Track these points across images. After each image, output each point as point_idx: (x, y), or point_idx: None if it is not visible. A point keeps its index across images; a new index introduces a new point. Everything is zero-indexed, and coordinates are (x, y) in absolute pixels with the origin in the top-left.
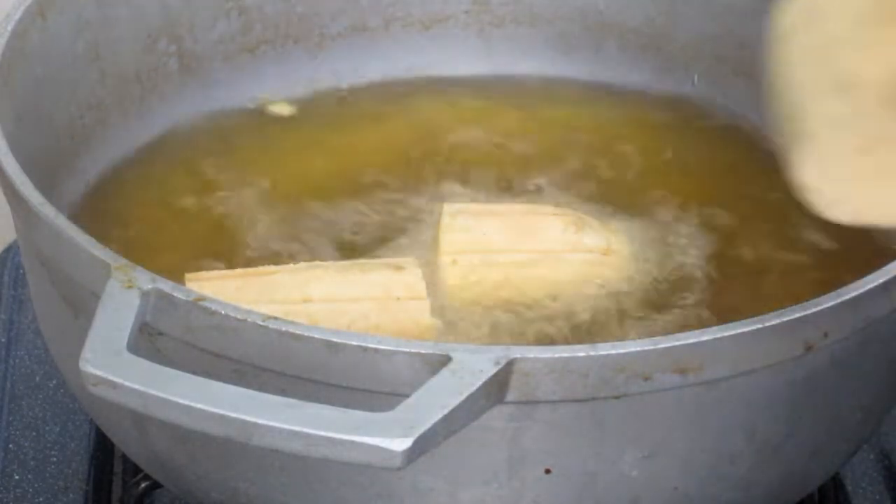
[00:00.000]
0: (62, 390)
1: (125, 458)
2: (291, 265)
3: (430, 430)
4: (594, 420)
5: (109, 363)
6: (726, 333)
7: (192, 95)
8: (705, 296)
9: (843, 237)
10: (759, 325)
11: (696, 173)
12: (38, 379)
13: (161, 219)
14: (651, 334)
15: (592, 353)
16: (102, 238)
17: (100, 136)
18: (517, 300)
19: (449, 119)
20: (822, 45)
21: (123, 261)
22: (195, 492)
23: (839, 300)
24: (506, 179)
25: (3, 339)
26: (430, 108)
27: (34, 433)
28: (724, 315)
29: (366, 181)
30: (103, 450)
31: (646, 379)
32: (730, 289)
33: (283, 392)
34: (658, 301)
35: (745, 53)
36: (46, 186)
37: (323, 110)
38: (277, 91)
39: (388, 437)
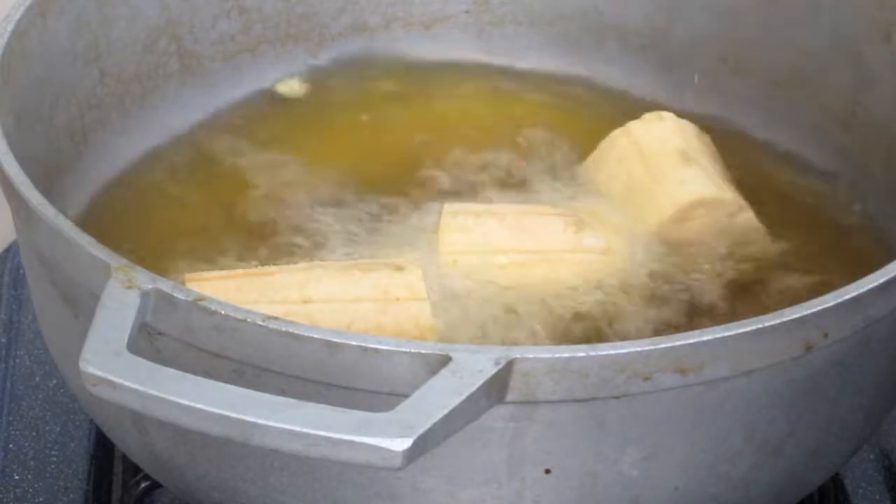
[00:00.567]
0: (62, 390)
1: (125, 458)
2: (291, 265)
3: (430, 430)
4: (594, 420)
5: (109, 363)
6: (726, 333)
7: (192, 95)
8: (705, 296)
9: (843, 237)
10: (759, 325)
11: None
12: (38, 379)
13: (161, 218)
14: (651, 334)
15: (592, 353)
16: (103, 238)
17: (100, 136)
18: (517, 300)
19: (449, 119)
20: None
21: (123, 261)
22: (195, 492)
23: (839, 300)
24: (506, 178)
25: (3, 339)
26: (430, 107)
27: (34, 433)
28: (723, 315)
29: (366, 181)
30: (103, 450)
31: (646, 379)
32: (730, 288)
33: (283, 392)
34: (658, 301)
35: (745, 53)
36: (46, 186)
37: (322, 110)
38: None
39: (388, 437)
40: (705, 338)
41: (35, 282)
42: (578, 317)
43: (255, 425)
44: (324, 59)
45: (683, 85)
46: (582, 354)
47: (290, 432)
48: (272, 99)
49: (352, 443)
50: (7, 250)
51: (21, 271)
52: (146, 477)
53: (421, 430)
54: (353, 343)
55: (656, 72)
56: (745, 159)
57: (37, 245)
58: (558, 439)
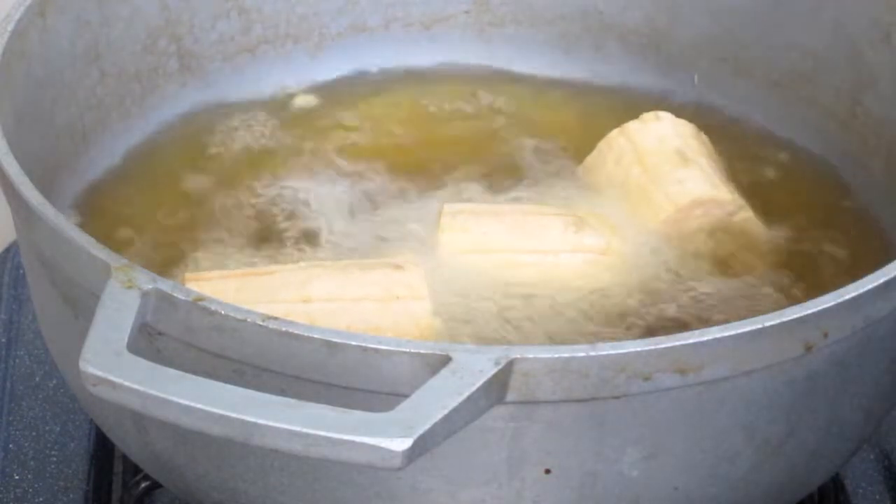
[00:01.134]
0: (62, 390)
1: (125, 458)
2: (291, 265)
3: (430, 430)
4: (594, 420)
5: (109, 363)
6: (726, 333)
7: (191, 95)
8: (705, 296)
9: (843, 237)
10: (759, 325)
11: None
12: (38, 379)
13: (161, 218)
14: (651, 334)
15: (592, 353)
16: (102, 238)
17: (100, 136)
18: (517, 300)
19: (449, 118)
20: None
21: (123, 261)
22: (195, 492)
23: (839, 300)
24: (505, 178)
25: (3, 339)
26: (430, 107)
27: (34, 433)
28: (723, 315)
29: (366, 181)
30: (103, 450)
31: (646, 379)
32: (729, 288)
33: (283, 392)
34: (658, 301)
35: (745, 53)
36: (46, 186)
37: (322, 110)
38: (277, 91)
39: (388, 437)
40: (705, 338)
41: (35, 282)
42: (578, 316)
43: (255, 425)
44: (324, 59)
45: (683, 85)
46: (582, 354)
47: (290, 432)
48: (272, 99)
49: (352, 443)
50: (7, 250)
51: (21, 271)
52: (146, 477)
53: (421, 431)
54: (353, 343)
55: (656, 72)
56: (744, 159)
57: (37, 245)
58: (558, 439)
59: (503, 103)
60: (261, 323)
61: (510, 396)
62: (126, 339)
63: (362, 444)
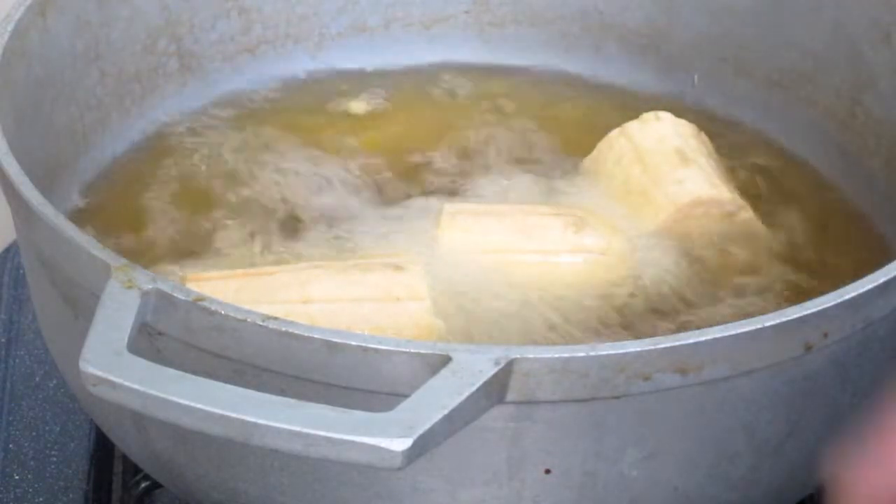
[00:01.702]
0: (62, 390)
1: (125, 458)
2: (291, 265)
3: (430, 430)
4: (594, 420)
5: (109, 363)
6: (726, 333)
7: (192, 95)
8: (704, 296)
9: (843, 237)
10: (759, 325)
11: None
12: (38, 379)
13: (161, 218)
14: (651, 334)
15: (592, 353)
16: (102, 238)
17: (100, 136)
18: (517, 300)
19: (448, 119)
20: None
21: (123, 261)
22: (195, 492)
23: (839, 300)
24: (505, 178)
25: (3, 339)
26: (430, 107)
27: (34, 433)
28: (723, 314)
29: (366, 181)
30: (103, 450)
31: (646, 379)
32: (729, 287)
33: (283, 392)
34: (658, 301)
35: (745, 53)
36: (46, 186)
37: (322, 110)
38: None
39: (388, 437)
40: (705, 338)
41: (35, 282)
42: (578, 316)
43: (255, 425)
44: (324, 59)
45: (683, 85)
46: (582, 354)
47: (290, 432)
48: (271, 99)
49: (352, 443)
50: (7, 250)
51: (21, 271)
52: (146, 477)
53: (421, 431)
54: (353, 343)
55: (656, 72)
56: (744, 159)
57: (37, 245)
58: (558, 439)
59: (503, 103)
60: (261, 323)
61: (510, 396)
62: (126, 339)
63: (362, 444)
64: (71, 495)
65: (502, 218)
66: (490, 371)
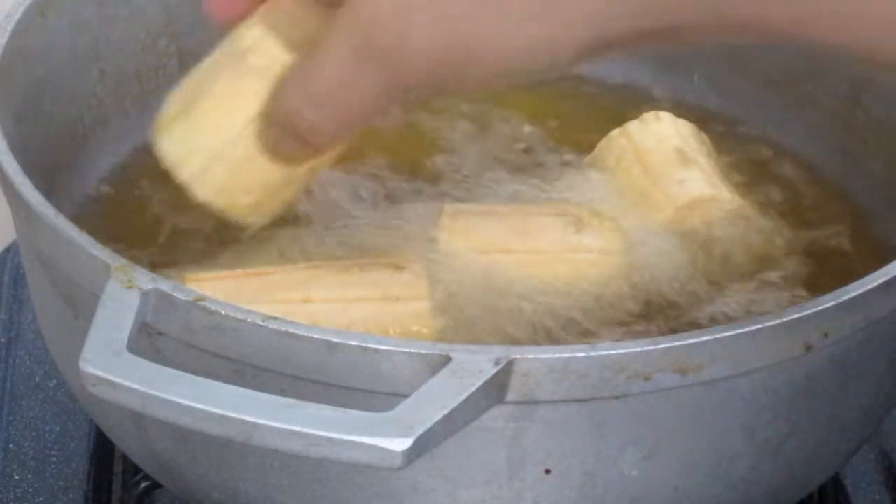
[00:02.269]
0: (62, 390)
1: (125, 458)
2: (291, 265)
3: (430, 430)
4: (594, 420)
5: (109, 363)
6: (726, 333)
7: None
8: (705, 295)
9: (844, 237)
10: (759, 325)
11: None
12: (38, 379)
13: (161, 217)
14: (651, 334)
15: (592, 353)
16: (103, 238)
17: (100, 136)
18: (517, 300)
19: (448, 119)
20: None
21: (123, 261)
22: (195, 492)
23: (839, 300)
24: (505, 178)
25: (3, 339)
26: (429, 107)
27: (34, 433)
28: (724, 314)
29: (366, 181)
30: (103, 450)
31: (646, 379)
32: (729, 287)
33: (282, 392)
34: (658, 300)
35: (745, 53)
36: (46, 186)
37: None
38: None
39: (388, 437)
40: (705, 338)
41: (35, 282)
42: (578, 316)
43: (255, 425)
44: None
45: (683, 85)
46: (582, 354)
47: (290, 432)
48: None
49: (352, 443)
50: (7, 250)
51: (21, 271)
52: (146, 477)
53: (421, 430)
54: (353, 343)
55: (656, 72)
56: (744, 159)
57: (37, 245)
58: (558, 439)
59: (503, 103)
60: (261, 323)
61: (510, 396)
62: (126, 339)
63: (362, 444)
64: (71, 495)
65: (502, 218)
66: (490, 371)
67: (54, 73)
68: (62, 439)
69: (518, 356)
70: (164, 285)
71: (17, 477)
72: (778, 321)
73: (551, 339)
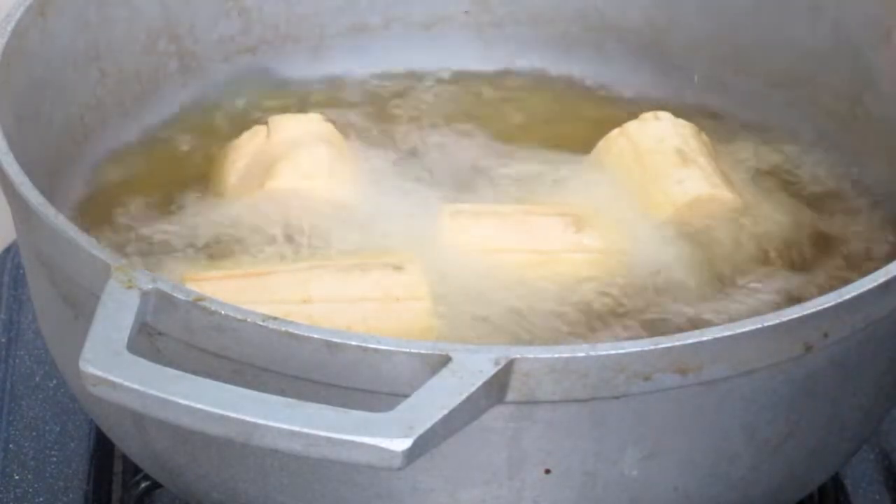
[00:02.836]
0: (62, 390)
1: (125, 458)
2: (291, 265)
3: (430, 430)
4: (594, 420)
5: (109, 363)
6: (726, 333)
7: (192, 95)
8: (705, 295)
9: (843, 237)
10: (759, 325)
11: None
12: (38, 379)
13: (161, 217)
14: (651, 334)
15: (592, 353)
16: (103, 238)
17: (100, 136)
18: (517, 300)
19: (448, 119)
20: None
21: (123, 261)
22: (195, 492)
23: (839, 300)
24: (505, 178)
25: (3, 339)
26: (428, 107)
27: (34, 433)
28: (724, 314)
29: (366, 180)
30: (103, 450)
31: (646, 379)
32: (729, 287)
33: (283, 392)
34: (658, 300)
35: (745, 53)
36: (46, 186)
37: (323, 109)
38: (276, 91)
39: (388, 437)
40: (705, 338)
41: (35, 282)
42: (578, 316)
43: (255, 425)
44: (324, 59)
45: (683, 85)
46: (582, 354)
47: (290, 432)
48: (270, 99)
49: (352, 443)
50: (7, 250)
51: (21, 271)
52: (146, 477)
53: (421, 430)
54: (353, 343)
55: (656, 72)
56: (744, 159)
57: (37, 245)
58: (558, 439)
59: (503, 103)
60: (261, 323)
61: (510, 396)
62: (126, 339)
63: (362, 444)
64: (71, 495)
65: (502, 218)
66: (490, 371)
67: (54, 73)
68: (62, 439)
69: (518, 356)
70: (164, 285)
71: (17, 477)
72: (778, 321)
73: (551, 338)
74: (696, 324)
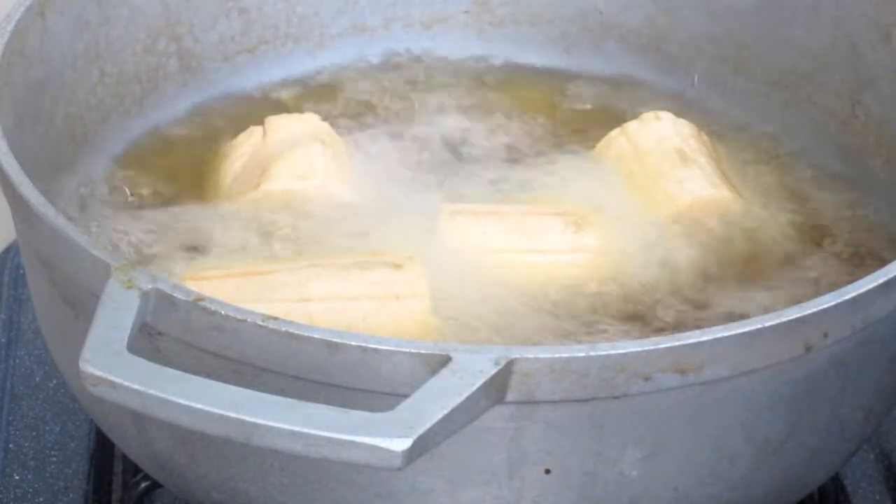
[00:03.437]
0: (62, 390)
1: (125, 458)
2: (291, 264)
3: (430, 430)
4: (594, 420)
5: (109, 363)
6: (726, 333)
7: (192, 95)
8: (705, 295)
9: (843, 237)
10: (759, 325)
11: None
12: (38, 379)
13: (161, 217)
14: (651, 334)
15: (592, 353)
16: (103, 238)
17: (100, 137)
18: (517, 300)
19: (448, 119)
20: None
21: (123, 261)
22: (195, 492)
23: (839, 300)
24: (505, 178)
25: (3, 339)
26: (429, 107)
27: (34, 433)
28: (724, 314)
29: (366, 180)
30: (103, 450)
31: (646, 379)
32: (729, 287)
33: (282, 392)
34: (658, 300)
35: (745, 53)
36: (46, 186)
37: (323, 109)
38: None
39: (387, 437)
40: (705, 338)
41: (35, 282)
42: (578, 317)
43: (255, 425)
44: (324, 59)
45: (683, 84)
46: (582, 354)
47: (290, 432)
48: (270, 99)
49: (352, 443)
50: (7, 250)
51: (21, 271)
52: (146, 477)
53: (421, 431)
54: (353, 343)
55: (656, 71)
56: (744, 159)
57: (37, 245)
58: (558, 439)
59: (503, 103)
60: (261, 323)
61: (510, 396)
62: (126, 339)
63: (362, 444)
64: (71, 495)
65: (502, 218)
66: (490, 371)
67: (54, 73)
68: (62, 439)
69: (518, 356)
70: (164, 285)
71: (17, 477)
72: (778, 321)
73: (551, 338)
74: (696, 324)
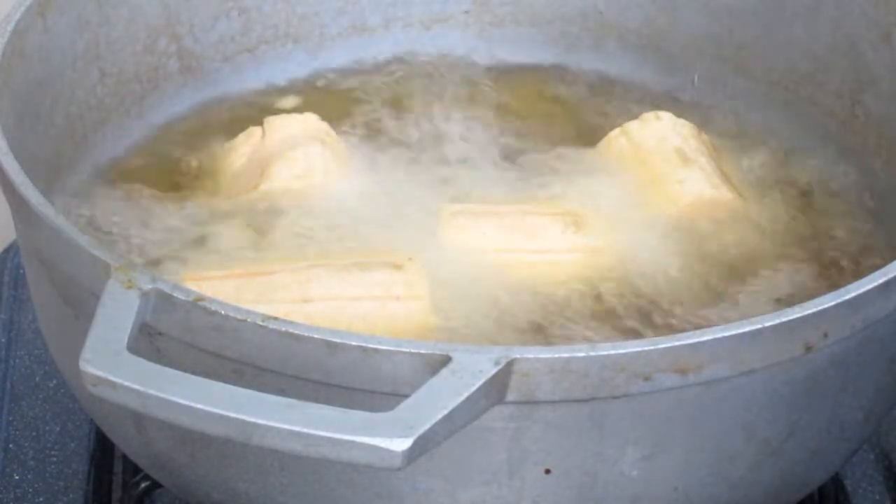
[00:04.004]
0: (62, 390)
1: (125, 458)
2: (291, 265)
3: (430, 430)
4: (594, 420)
5: (109, 363)
6: (726, 333)
7: (192, 95)
8: (705, 295)
9: (843, 237)
10: (759, 326)
11: None
12: (38, 379)
13: (161, 217)
14: (651, 333)
15: (592, 354)
16: (103, 238)
17: (100, 136)
18: (517, 300)
19: (448, 119)
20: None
21: (123, 261)
22: (195, 492)
23: (839, 300)
24: (505, 178)
25: (3, 339)
26: (429, 107)
27: (34, 433)
28: (724, 314)
29: (366, 180)
30: (103, 450)
31: (646, 379)
32: (729, 287)
33: (282, 392)
34: (659, 300)
35: (745, 53)
36: (46, 186)
37: (323, 109)
38: (276, 91)
39: (388, 437)
40: (705, 338)
41: (35, 282)
42: (578, 316)
43: (255, 425)
44: (324, 59)
45: (683, 85)
46: (582, 354)
47: (290, 432)
48: (270, 99)
49: (352, 443)
50: (7, 250)
51: (21, 271)
52: (146, 477)
53: (421, 431)
54: (353, 343)
55: (656, 71)
56: (744, 158)
57: (37, 245)
58: (558, 439)
59: (503, 103)
60: (261, 323)
61: (510, 396)
62: (126, 339)
63: (362, 444)
64: (71, 495)
65: (502, 218)
66: (490, 371)
67: (54, 73)
68: (62, 439)
69: (518, 356)
70: (164, 285)
71: (17, 477)
72: (778, 321)
73: (551, 338)
74: (696, 324)
